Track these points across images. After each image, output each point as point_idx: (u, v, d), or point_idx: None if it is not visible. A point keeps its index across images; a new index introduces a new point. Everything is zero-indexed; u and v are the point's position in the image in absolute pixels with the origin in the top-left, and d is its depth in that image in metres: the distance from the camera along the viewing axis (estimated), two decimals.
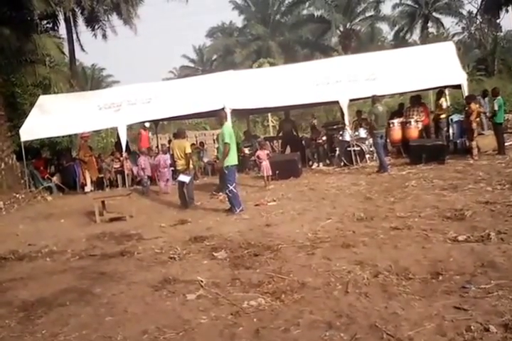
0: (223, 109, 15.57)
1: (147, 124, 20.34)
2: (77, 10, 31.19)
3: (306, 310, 5.21)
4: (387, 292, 5.46)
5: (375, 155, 15.66)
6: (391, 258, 6.49)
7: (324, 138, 18.09)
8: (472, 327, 4.41)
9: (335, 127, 18.52)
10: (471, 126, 14.42)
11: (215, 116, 13.98)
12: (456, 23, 51.89)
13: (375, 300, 5.27)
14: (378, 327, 4.62)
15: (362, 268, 6.25)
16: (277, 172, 14.84)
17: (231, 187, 11.11)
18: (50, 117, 17.96)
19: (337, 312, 5.09)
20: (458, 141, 16.20)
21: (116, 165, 18.41)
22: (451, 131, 16.60)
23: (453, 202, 9.41)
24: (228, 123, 11.84)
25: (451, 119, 16.74)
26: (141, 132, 20.33)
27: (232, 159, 11.26)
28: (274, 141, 22.14)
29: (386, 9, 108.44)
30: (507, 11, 39.38)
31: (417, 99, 17.65)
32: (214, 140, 22.97)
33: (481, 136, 15.83)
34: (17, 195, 16.03)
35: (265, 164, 14.38)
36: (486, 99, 20.22)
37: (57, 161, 20.51)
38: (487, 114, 18.01)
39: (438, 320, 4.64)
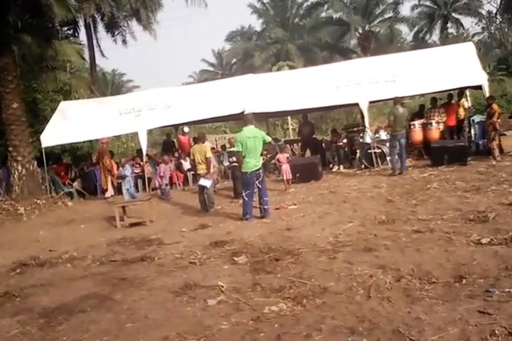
0: (243, 112, 15.55)
1: (186, 129, 20.32)
2: (97, 16, 31.64)
3: (328, 316, 5.15)
4: (409, 296, 5.39)
5: (395, 157, 15.56)
6: (414, 262, 6.41)
7: (345, 140, 18.04)
8: (496, 332, 4.33)
9: (355, 129, 18.43)
10: (495, 127, 14.26)
11: (236, 120, 13.64)
12: (476, 23, 51.34)
13: (397, 305, 5.20)
14: (401, 332, 4.55)
15: (384, 272, 6.18)
16: (297, 175, 14.80)
17: (243, 194, 11.01)
18: (70, 123, 18.07)
19: (359, 317, 5.02)
20: (480, 142, 16.04)
21: (137, 170, 18.47)
22: (472, 131, 16.47)
23: (476, 204, 9.29)
24: (246, 128, 11.37)
25: (473, 120, 16.61)
26: (180, 138, 20.38)
27: (246, 166, 10.93)
28: (294, 144, 22.12)
29: (405, 10, 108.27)
30: None
31: (450, 97, 17.78)
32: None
33: (504, 137, 15.66)
34: (38, 201, 16.10)
35: (285, 167, 14.33)
36: None
37: (78, 166, 20.62)
38: None
39: (462, 325, 4.56)
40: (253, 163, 10.93)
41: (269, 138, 11.46)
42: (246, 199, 10.92)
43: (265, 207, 11.00)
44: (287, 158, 14.88)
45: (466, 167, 13.88)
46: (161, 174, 16.35)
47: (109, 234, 11.18)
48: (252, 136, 11.00)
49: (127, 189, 15.16)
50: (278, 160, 14.94)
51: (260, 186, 11.09)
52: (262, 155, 11.32)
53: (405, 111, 15.25)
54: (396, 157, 14.49)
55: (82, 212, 15.03)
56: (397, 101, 14.69)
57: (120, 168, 16.52)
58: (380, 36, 51.78)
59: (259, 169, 11.01)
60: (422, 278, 5.85)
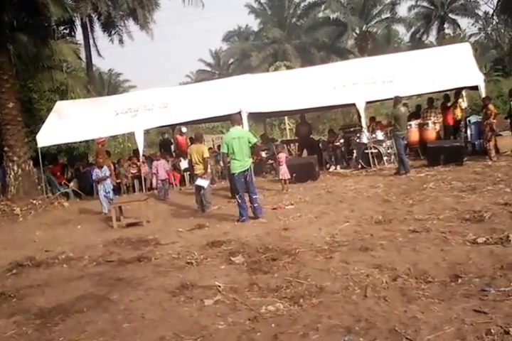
0: (239, 112, 15.52)
1: (184, 129, 20.30)
2: (93, 15, 31.42)
3: (324, 315, 5.15)
4: (406, 296, 5.39)
5: (392, 157, 15.54)
6: (410, 262, 6.42)
7: (341, 140, 18.05)
8: (492, 331, 4.33)
9: (352, 129, 18.44)
10: (492, 128, 14.27)
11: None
12: (473, 24, 51.40)
13: (394, 304, 5.20)
14: (398, 331, 4.55)
15: (380, 272, 6.19)
16: (294, 175, 14.78)
17: (236, 196, 10.95)
18: (67, 123, 18.04)
19: (356, 316, 5.03)
20: (476, 142, 16.06)
21: (134, 170, 18.45)
22: (469, 132, 16.48)
23: (472, 204, 9.31)
24: (233, 129, 11.34)
25: (469, 120, 16.62)
26: (178, 138, 20.35)
27: (233, 167, 10.86)
28: (291, 144, 22.11)
29: (402, 11, 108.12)
30: None
31: (446, 98, 17.74)
32: None
33: (500, 137, 15.68)
34: (34, 201, 16.07)
35: (283, 167, 14.32)
36: None
37: (74, 167, 20.58)
38: None
39: (458, 324, 4.57)
40: (239, 163, 10.82)
41: (254, 139, 11.25)
42: (239, 201, 10.85)
43: (255, 205, 10.91)
44: (286, 157, 14.91)
45: (463, 167, 13.90)
46: (154, 171, 16.24)
47: (106, 235, 11.17)
48: (237, 137, 10.88)
49: (108, 192, 14.09)
50: (278, 159, 14.88)
51: (248, 185, 10.98)
52: (251, 156, 11.22)
53: (406, 110, 15.26)
54: (393, 157, 14.46)
55: (78, 212, 15.02)
56: (397, 101, 14.60)
57: (96, 170, 14.44)
58: (377, 37, 51.91)
59: (246, 170, 10.93)
60: (418, 277, 5.86)
